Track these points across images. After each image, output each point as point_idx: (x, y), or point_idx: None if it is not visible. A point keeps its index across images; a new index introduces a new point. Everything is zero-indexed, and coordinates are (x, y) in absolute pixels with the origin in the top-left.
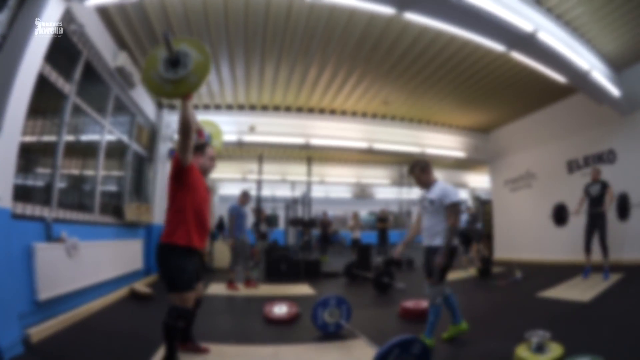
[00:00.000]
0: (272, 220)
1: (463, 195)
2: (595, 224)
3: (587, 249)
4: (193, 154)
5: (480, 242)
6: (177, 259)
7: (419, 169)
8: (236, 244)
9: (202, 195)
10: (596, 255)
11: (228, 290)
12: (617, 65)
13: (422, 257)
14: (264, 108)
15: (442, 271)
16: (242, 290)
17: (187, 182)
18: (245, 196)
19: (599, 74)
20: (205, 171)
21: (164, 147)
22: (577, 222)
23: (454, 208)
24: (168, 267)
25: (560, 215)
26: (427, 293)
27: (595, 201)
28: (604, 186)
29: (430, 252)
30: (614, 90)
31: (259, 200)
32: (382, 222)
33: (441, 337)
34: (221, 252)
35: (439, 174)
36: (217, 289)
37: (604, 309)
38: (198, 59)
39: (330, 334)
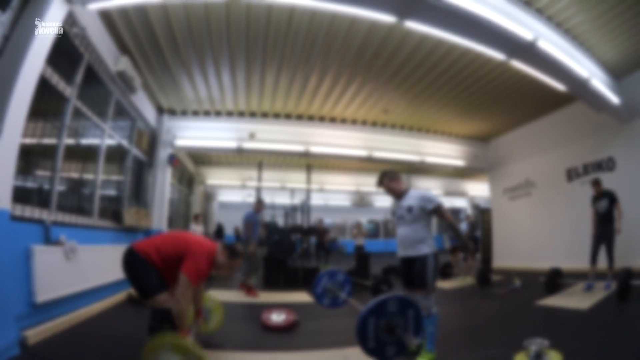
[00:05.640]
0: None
1: (462, 203)
2: (604, 237)
3: (594, 260)
4: (224, 254)
5: (478, 251)
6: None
7: (387, 179)
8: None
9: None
10: (601, 264)
11: (247, 297)
12: (616, 73)
13: (402, 269)
14: (264, 115)
15: (434, 278)
16: (243, 297)
17: None
18: (260, 203)
19: (599, 81)
20: (217, 268)
21: (164, 153)
22: (577, 229)
23: (441, 209)
24: (136, 275)
25: (553, 281)
26: (422, 305)
27: (604, 218)
28: (612, 200)
29: (414, 263)
30: (614, 98)
31: None
32: None
33: None
34: None
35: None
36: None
37: (602, 317)
38: None
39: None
